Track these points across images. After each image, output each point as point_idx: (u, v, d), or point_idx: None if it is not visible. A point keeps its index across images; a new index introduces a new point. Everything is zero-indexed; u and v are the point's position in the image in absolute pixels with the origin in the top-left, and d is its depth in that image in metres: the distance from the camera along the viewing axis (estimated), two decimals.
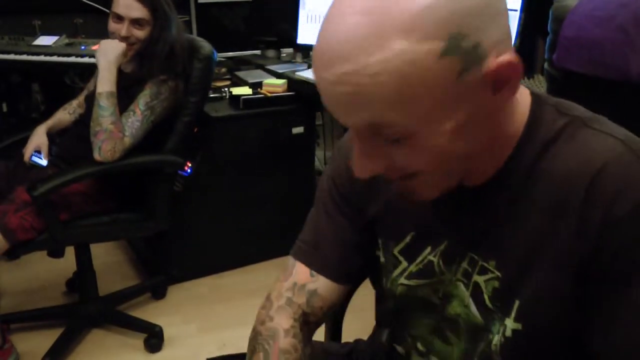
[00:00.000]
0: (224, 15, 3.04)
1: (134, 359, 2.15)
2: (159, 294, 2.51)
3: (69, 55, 2.73)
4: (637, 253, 0.65)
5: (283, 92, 2.58)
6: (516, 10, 1.92)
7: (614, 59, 1.27)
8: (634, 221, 0.65)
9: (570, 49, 1.36)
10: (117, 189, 2.08)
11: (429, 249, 0.82)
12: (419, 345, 0.89)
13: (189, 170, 2.47)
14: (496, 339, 0.77)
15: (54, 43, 2.80)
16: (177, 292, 2.55)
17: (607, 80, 1.30)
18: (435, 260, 0.82)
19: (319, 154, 3.26)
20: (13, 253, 1.87)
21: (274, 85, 2.59)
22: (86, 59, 2.68)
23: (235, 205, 2.63)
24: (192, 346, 2.22)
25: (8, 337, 2.05)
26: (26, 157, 2.09)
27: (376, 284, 0.95)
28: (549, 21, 1.42)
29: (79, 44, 2.83)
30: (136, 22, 1.94)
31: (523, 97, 0.73)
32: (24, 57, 2.72)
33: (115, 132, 1.86)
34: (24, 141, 2.13)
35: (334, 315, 1.19)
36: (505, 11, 0.64)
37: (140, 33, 1.96)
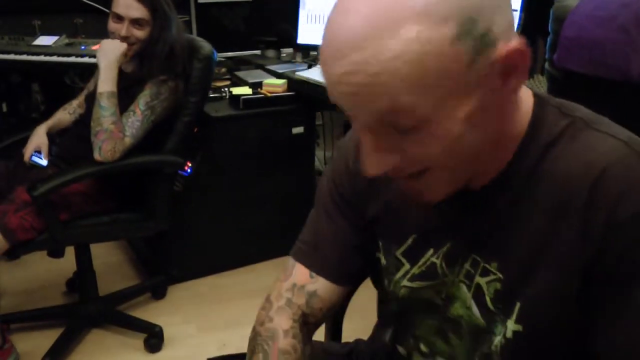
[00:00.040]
0: (224, 15, 3.04)
1: (134, 359, 2.15)
2: (159, 294, 2.51)
3: (69, 55, 2.72)
4: None
5: (283, 92, 2.58)
6: (516, 10, 1.92)
7: (615, 59, 1.27)
8: (637, 223, 0.65)
9: (571, 49, 1.35)
10: (117, 189, 2.08)
11: (431, 251, 0.82)
12: (422, 346, 0.89)
13: (189, 170, 2.47)
14: (497, 340, 0.77)
15: (54, 43, 2.80)
16: (177, 292, 2.55)
17: (608, 80, 1.30)
18: (437, 262, 0.82)
19: (319, 154, 3.26)
20: (13, 253, 1.86)
21: (274, 85, 2.59)
22: (86, 59, 2.68)
23: (235, 205, 2.63)
24: (192, 346, 2.21)
25: (8, 337, 2.05)
26: (26, 157, 2.09)
27: (377, 285, 0.95)
28: (550, 21, 1.42)
29: (79, 44, 2.83)
30: (136, 22, 1.94)
31: (525, 98, 0.73)
32: (24, 57, 2.72)
33: (115, 132, 1.86)
34: (24, 141, 2.13)
35: (334, 315, 1.19)
36: (509, 1, 0.66)
37: (140, 33, 1.96)
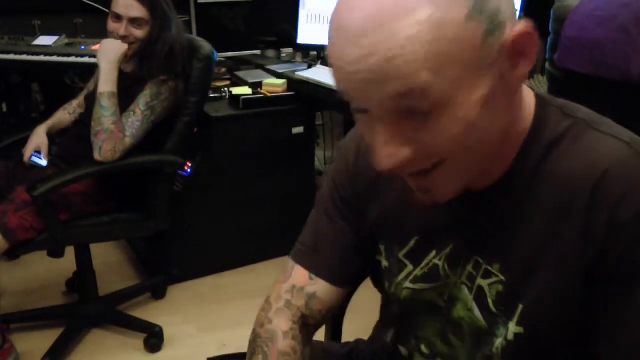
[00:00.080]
0: (224, 15, 3.04)
1: (134, 359, 2.15)
2: (159, 294, 2.51)
3: (69, 55, 2.72)
4: None
5: (283, 92, 2.58)
6: (516, 11, 1.92)
7: (615, 59, 1.27)
8: (639, 224, 0.64)
9: (571, 49, 1.36)
10: (117, 189, 2.07)
11: (434, 253, 0.82)
12: (423, 348, 0.88)
13: (189, 170, 2.47)
14: (498, 343, 0.77)
15: (54, 43, 2.80)
16: (177, 292, 2.55)
17: (608, 80, 1.30)
18: (440, 263, 0.81)
19: (318, 154, 3.26)
20: (13, 253, 1.86)
21: (273, 85, 2.59)
22: (86, 59, 2.68)
23: (235, 205, 2.63)
24: (192, 346, 2.21)
25: (8, 337, 2.05)
26: (26, 158, 2.09)
27: (378, 287, 0.95)
28: (551, 21, 1.42)
29: (78, 44, 2.83)
30: (135, 22, 1.94)
31: (528, 99, 0.73)
32: (24, 57, 2.72)
33: (116, 132, 1.86)
34: (24, 141, 2.13)
35: (334, 316, 1.19)
36: None
37: (138, 33, 1.96)
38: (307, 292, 0.91)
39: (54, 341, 2.08)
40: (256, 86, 2.62)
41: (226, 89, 2.65)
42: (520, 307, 0.73)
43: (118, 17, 1.94)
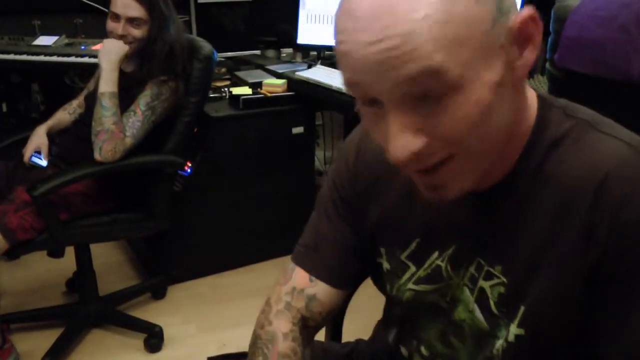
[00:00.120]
0: (224, 15, 3.04)
1: (134, 359, 2.15)
2: (159, 294, 2.51)
3: (68, 55, 2.72)
4: None
5: (283, 92, 2.58)
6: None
7: (616, 59, 1.27)
8: None
9: (572, 49, 1.35)
10: (117, 189, 2.07)
11: (436, 254, 0.82)
12: (423, 350, 0.88)
13: (189, 170, 2.47)
14: (499, 344, 0.76)
15: (54, 43, 2.80)
16: (177, 292, 2.55)
17: (609, 80, 1.30)
18: (443, 265, 0.81)
19: (318, 154, 3.26)
20: (13, 253, 1.86)
21: (273, 85, 2.59)
22: (86, 59, 2.68)
23: (235, 205, 2.63)
24: (192, 346, 2.21)
25: (8, 337, 2.05)
26: (26, 158, 2.09)
27: (379, 289, 0.94)
28: (551, 21, 1.42)
29: (78, 44, 2.83)
30: (133, 21, 1.94)
31: (531, 100, 0.73)
32: (24, 57, 2.72)
33: (116, 132, 1.86)
34: (24, 141, 2.13)
35: (334, 316, 1.19)
36: None
37: (137, 32, 1.96)
38: (307, 294, 0.91)
39: (54, 341, 2.08)
40: (256, 86, 2.62)
41: (226, 89, 2.65)
42: (522, 308, 0.73)
43: (116, 17, 1.94)
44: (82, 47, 2.77)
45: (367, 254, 0.90)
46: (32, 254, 2.24)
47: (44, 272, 2.61)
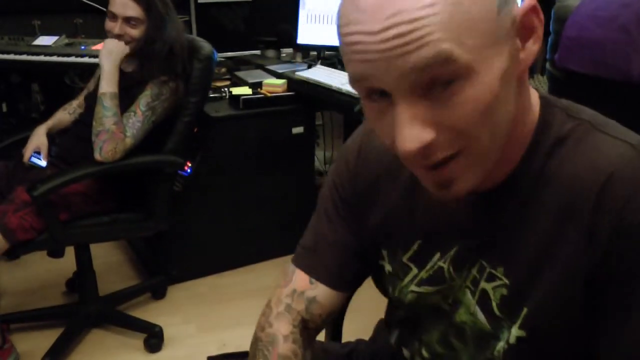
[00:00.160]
0: (224, 15, 3.04)
1: (134, 359, 2.15)
2: (159, 294, 2.51)
3: (68, 55, 2.72)
4: None
5: (283, 92, 2.58)
6: None
7: (616, 59, 1.27)
8: None
9: (572, 49, 1.35)
10: (117, 189, 2.07)
11: (438, 255, 0.81)
12: (424, 352, 0.88)
13: (189, 170, 2.47)
14: (499, 346, 0.76)
15: (54, 43, 2.80)
16: (177, 292, 2.55)
17: (609, 80, 1.30)
18: (445, 266, 0.81)
19: (318, 154, 3.26)
20: (13, 253, 1.86)
21: (273, 85, 2.59)
22: (86, 59, 2.68)
23: (235, 205, 2.63)
24: (192, 346, 2.21)
25: (8, 337, 2.05)
26: (25, 158, 2.09)
27: (382, 291, 0.94)
28: (551, 21, 1.42)
29: (78, 44, 2.83)
30: (130, 21, 1.94)
31: (533, 100, 0.73)
32: (24, 57, 2.72)
33: (117, 132, 1.87)
34: (24, 141, 2.13)
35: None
36: None
37: (134, 32, 1.96)
38: (307, 296, 0.91)
39: (54, 341, 2.08)
40: (256, 86, 2.62)
41: (226, 89, 2.65)
42: (525, 310, 0.73)
43: (114, 16, 1.94)
44: (82, 47, 2.77)
45: (368, 256, 0.90)
46: (32, 254, 2.24)
47: (44, 272, 2.61)
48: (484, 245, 0.76)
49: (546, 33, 1.47)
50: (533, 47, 0.65)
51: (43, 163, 2.09)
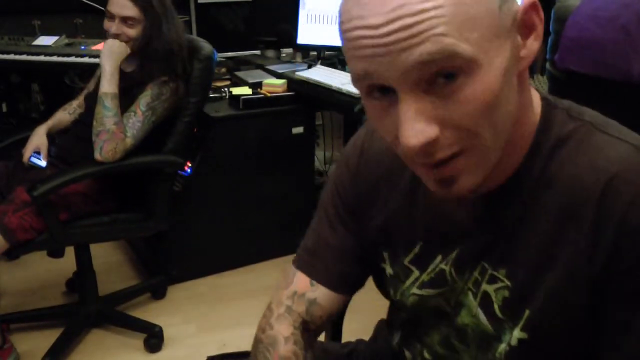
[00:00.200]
0: (224, 15, 3.04)
1: (133, 359, 2.15)
2: (159, 294, 2.51)
3: (68, 55, 2.73)
4: None
5: (283, 92, 2.58)
6: None
7: (616, 59, 1.27)
8: None
9: (572, 49, 1.35)
10: (117, 189, 2.07)
11: (439, 258, 0.81)
12: (425, 354, 0.88)
13: (189, 170, 2.47)
14: (501, 348, 0.76)
15: (54, 43, 2.80)
16: (177, 292, 2.55)
17: (609, 80, 1.30)
18: (447, 268, 0.80)
19: (318, 154, 3.26)
20: (13, 253, 1.86)
21: (273, 85, 2.59)
22: (86, 59, 2.68)
23: (235, 205, 2.63)
24: (192, 346, 2.21)
25: (8, 337, 2.05)
26: (25, 158, 2.09)
27: (383, 293, 0.94)
28: (551, 21, 1.42)
29: (78, 44, 2.83)
30: (127, 21, 1.94)
31: (534, 101, 0.72)
32: (24, 57, 2.72)
33: (117, 132, 1.87)
34: (24, 141, 2.13)
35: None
36: None
37: (131, 31, 1.96)
38: (307, 298, 0.90)
39: (54, 341, 2.08)
40: (256, 86, 2.62)
41: (226, 89, 2.65)
42: (527, 312, 0.72)
43: (112, 16, 1.95)
44: (82, 47, 2.78)
45: (369, 259, 0.90)
46: (32, 254, 2.24)
47: (44, 272, 2.61)
48: (485, 247, 0.76)
49: (546, 33, 1.47)
50: (533, 44, 0.65)
51: (43, 163, 2.09)
